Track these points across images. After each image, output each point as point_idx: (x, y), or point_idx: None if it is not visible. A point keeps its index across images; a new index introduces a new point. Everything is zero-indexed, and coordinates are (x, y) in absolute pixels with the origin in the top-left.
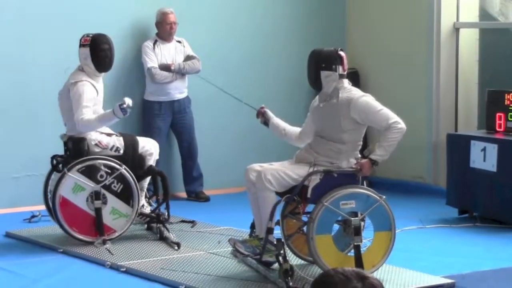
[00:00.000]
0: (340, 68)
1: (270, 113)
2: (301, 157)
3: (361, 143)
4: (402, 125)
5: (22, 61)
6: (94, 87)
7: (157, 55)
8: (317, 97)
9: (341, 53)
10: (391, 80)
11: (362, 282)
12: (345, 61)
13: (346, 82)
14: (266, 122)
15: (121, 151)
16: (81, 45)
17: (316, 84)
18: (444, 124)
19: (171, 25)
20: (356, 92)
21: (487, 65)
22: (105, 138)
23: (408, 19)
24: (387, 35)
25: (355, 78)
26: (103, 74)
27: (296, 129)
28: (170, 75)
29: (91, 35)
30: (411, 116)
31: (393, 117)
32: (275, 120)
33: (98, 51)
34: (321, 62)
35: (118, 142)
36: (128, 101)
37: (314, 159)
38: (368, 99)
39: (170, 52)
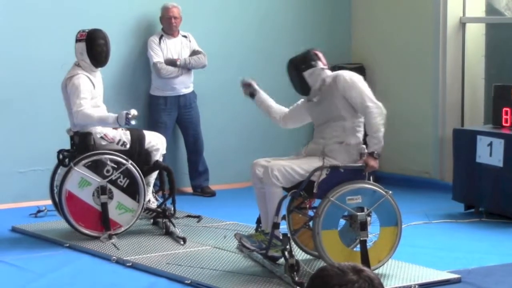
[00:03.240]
0: (320, 63)
1: (257, 86)
2: (310, 150)
3: (362, 119)
4: (380, 108)
5: (27, 55)
6: (90, 80)
7: (163, 50)
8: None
9: (315, 51)
10: (397, 75)
11: (358, 274)
12: (322, 57)
13: (329, 72)
14: (252, 93)
15: (128, 146)
16: (77, 40)
17: (303, 88)
18: (450, 119)
19: (171, 19)
20: (336, 72)
21: (494, 60)
22: (111, 131)
23: (414, 14)
24: (393, 30)
25: (361, 73)
26: (99, 69)
27: (283, 109)
28: (176, 70)
29: (87, 30)
30: (417, 111)
31: (372, 99)
32: (262, 94)
33: (94, 46)
34: (300, 65)
35: (124, 136)
36: (134, 112)
37: (323, 146)
38: (352, 75)
39: (176, 47)
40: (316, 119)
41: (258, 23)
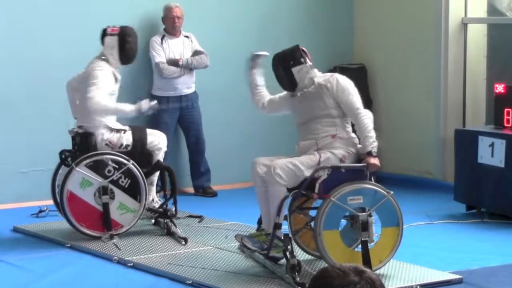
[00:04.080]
0: (308, 60)
1: (260, 65)
2: (302, 149)
3: (349, 119)
4: (368, 113)
5: (30, 55)
6: (114, 75)
7: (165, 50)
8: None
9: (303, 48)
10: (398, 76)
11: (360, 276)
12: (308, 54)
13: (317, 71)
14: (252, 67)
15: (129, 148)
16: (108, 34)
17: (291, 84)
18: (452, 120)
19: (174, 19)
20: (330, 73)
21: (495, 61)
22: (115, 136)
23: (416, 14)
24: (394, 30)
25: (362, 73)
26: (120, 67)
27: (267, 95)
28: (178, 70)
29: (117, 26)
30: (419, 112)
31: (359, 104)
32: (259, 74)
33: (126, 42)
34: (288, 61)
35: (126, 140)
36: (154, 103)
37: (316, 141)
38: (346, 79)
39: (178, 47)
40: (301, 116)
41: (259, 23)
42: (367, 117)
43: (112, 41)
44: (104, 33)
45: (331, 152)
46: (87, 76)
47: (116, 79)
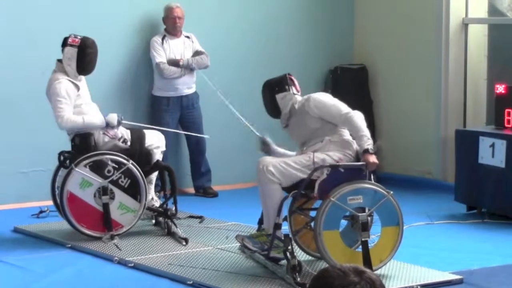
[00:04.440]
0: (293, 88)
1: (272, 145)
2: None
3: (341, 129)
4: (356, 112)
5: (31, 54)
6: (73, 83)
7: (166, 50)
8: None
9: (291, 76)
10: (399, 76)
11: (360, 276)
12: (296, 83)
13: (298, 97)
14: (267, 152)
15: (128, 143)
16: (69, 45)
17: (274, 110)
18: (453, 120)
19: (176, 19)
20: (306, 96)
21: (496, 61)
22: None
23: (416, 14)
24: (395, 31)
25: (363, 74)
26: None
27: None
28: (179, 71)
29: (79, 37)
30: (419, 112)
31: (345, 108)
32: (279, 150)
33: (85, 54)
34: (274, 87)
35: (125, 133)
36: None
37: (307, 149)
38: (321, 95)
39: (178, 48)
40: (298, 140)
41: (259, 23)
42: (357, 117)
43: (72, 52)
44: (65, 42)
45: (326, 154)
46: (48, 90)
47: (76, 86)
